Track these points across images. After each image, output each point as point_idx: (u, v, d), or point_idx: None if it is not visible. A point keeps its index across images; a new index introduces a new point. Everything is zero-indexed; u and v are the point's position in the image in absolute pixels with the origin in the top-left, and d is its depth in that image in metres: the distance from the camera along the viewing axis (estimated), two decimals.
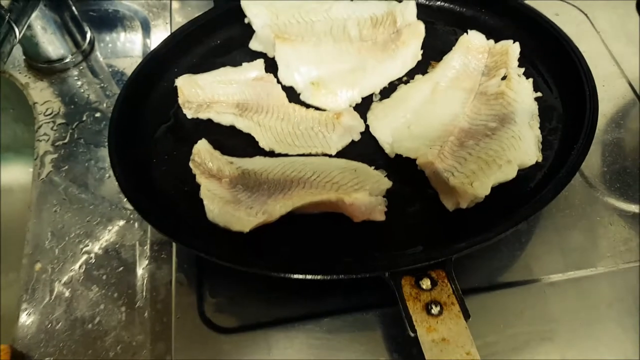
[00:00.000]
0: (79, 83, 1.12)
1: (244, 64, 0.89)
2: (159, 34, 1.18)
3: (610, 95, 0.98)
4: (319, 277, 0.67)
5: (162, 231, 0.72)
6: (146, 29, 1.22)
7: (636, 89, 0.99)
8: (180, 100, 0.86)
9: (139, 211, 0.74)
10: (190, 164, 0.78)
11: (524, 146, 0.75)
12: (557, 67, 0.89)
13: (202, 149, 0.79)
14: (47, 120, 1.06)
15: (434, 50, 0.94)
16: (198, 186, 0.77)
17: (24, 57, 1.14)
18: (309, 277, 0.67)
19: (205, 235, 0.74)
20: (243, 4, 0.93)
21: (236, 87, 0.87)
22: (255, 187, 0.77)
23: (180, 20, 1.20)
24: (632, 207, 0.85)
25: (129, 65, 1.14)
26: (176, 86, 0.87)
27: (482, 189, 0.70)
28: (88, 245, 0.87)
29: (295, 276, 0.67)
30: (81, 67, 1.14)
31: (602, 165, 0.91)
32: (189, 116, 0.87)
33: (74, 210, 0.91)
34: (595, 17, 1.12)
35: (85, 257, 0.86)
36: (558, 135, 0.83)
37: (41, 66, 1.12)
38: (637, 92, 0.99)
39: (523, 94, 0.81)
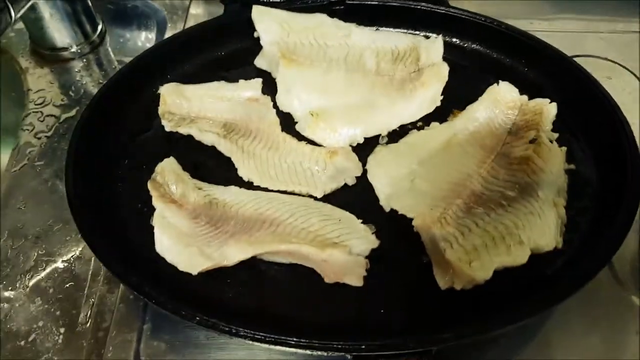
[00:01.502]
0: (80, 75, 1.06)
1: (241, 82, 0.79)
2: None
3: None
4: (266, 346, 0.55)
5: (97, 254, 0.61)
6: (162, 29, 1.15)
7: None
8: (160, 110, 0.77)
9: (77, 222, 0.64)
10: (149, 184, 0.68)
11: (543, 227, 0.62)
12: (598, 139, 0.76)
13: (168, 168, 0.69)
14: (36, 109, 1.00)
15: (459, 97, 0.81)
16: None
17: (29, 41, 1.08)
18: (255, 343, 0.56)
19: (151, 268, 0.64)
20: (254, 15, 0.84)
21: (227, 104, 0.78)
22: (220, 221, 0.66)
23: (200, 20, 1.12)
24: None
25: None
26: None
27: (482, 271, 0.58)
28: (44, 251, 0.79)
29: (239, 340, 0.56)
30: (86, 59, 1.08)
31: (637, 260, 0.76)
32: (167, 129, 0.77)
33: (38, 211, 0.83)
34: None
35: (37, 263, 0.77)
36: (588, 217, 0.69)
37: (45, 52, 1.07)
38: None
39: (552, 164, 0.68)
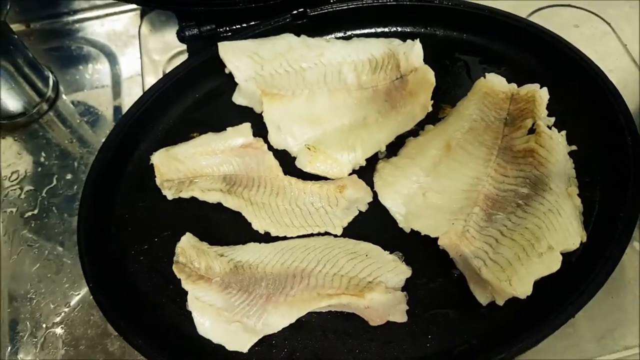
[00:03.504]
0: (47, 137, 1.01)
1: (229, 129, 0.77)
2: (129, 61, 1.07)
3: None
4: None
5: (138, 349, 0.61)
6: (114, 60, 1.10)
7: None
8: (158, 181, 0.74)
9: (116, 328, 0.63)
10: (174, 268, 0.67)
11: (565, 224, 0.64)
12: (586, 108, 0.77)
13: (187, 245, 0.67)
14: (13, 186, 0.95)
15: (443, 89, 0.81)
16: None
17: None
18: None
19: (195, 350, 0.64)
20: (222, 54, 0.80)
21: (221, 157, 0.75)
22: (251, 285, 0.66)
23: (151, 46, 1.07)
24: None
25: (100, 100, 1.03)
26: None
27: (523, 287, 0.59)
28: (70, 340, 0.76)
29: None
30: (47, 118, 1.03)
31: None
32: (170, 197, 0.75)
33: (51, 296, 0.80)
34: (620, 26, 0.98)
35: (65, 352, 0.75)
36: (598, 193, 0.71)
37: (1, 122, 1.00)
38: None
39: (556, 152, 0.69)
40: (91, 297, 0.79)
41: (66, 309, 0.79)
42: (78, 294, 0.81)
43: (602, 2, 1.00)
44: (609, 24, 0.98)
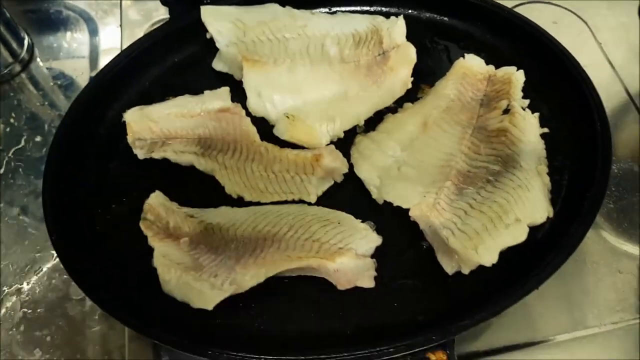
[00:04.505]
0: (18, 99, 0.99)
1: (206, 92, 0.76)
2: (109, 32, 1.05)
3: (613, 116, 0.88)
4: None
5: (109, 312, 0.60)
6: (93, 28, 1.08)
7: None
8: (129, 139, 0.73)
9: (76, 280, 0.61)
10: (141, 225, 0.65)
11: (533, 199, 0.65)
12: (562, 97, 0.78)
13: (156, 203, 0.66)
14: None
15: (424, 71, 0.82)
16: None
17: None
18: None
19: (160, 308, 0.63)
20: (204, 17, 0.80)
21: (197, 120, 0.74)
22: (220, 247, 0.65)
23: (133, 17, 1.06)
24: None
25: (75, 68, 1.01)
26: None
27: (488, 255, 0.60)
28: (29, 302, 0.75)
29: None
30: (19, 80, 1.01)
31: (606, 200, 0.81)
32: (140, 156, 0.73)
33: (13, 256, 0.79)
34: (596, 25, 1.01)
35: (23, 314, 0.74)
36: (566, 175, 0.73)
37: None
38: None
39: (529, 132, 0.71)
40: (53, 260, 0.78)
41: (27, 272, 0.77)
42: (39, 256, 0.79)
43: (581, 1, 1.03)
44: (586, 22, 1.01)
